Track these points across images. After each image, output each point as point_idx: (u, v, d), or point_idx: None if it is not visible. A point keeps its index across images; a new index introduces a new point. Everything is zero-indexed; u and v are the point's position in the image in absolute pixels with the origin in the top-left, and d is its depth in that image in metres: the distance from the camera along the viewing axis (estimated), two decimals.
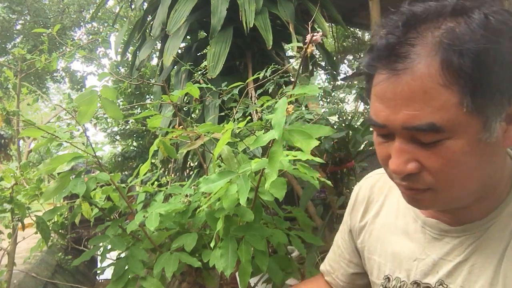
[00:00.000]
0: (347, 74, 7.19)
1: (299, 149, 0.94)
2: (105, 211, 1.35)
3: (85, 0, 11.87)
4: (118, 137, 7.39)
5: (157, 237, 1.27)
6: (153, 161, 4.63)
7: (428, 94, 0.46)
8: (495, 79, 0.45)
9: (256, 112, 1.64)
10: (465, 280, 0.56)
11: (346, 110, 2.24)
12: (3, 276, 1.71)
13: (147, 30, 3.39)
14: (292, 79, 1.80)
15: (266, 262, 1.06)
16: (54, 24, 5.84)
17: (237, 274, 1.08)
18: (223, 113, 1.83)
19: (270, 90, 1.68)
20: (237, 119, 1.48)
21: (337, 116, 2.04)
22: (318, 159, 1.04)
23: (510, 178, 0.56)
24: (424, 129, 0.47)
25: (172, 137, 1.21)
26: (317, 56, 3.88)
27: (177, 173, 3.08)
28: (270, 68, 1.53)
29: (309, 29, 0.86)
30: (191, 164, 3.38)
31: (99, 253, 1.31)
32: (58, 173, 1.23)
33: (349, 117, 2.09)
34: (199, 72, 1.85)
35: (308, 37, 0.85)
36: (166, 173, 3.34)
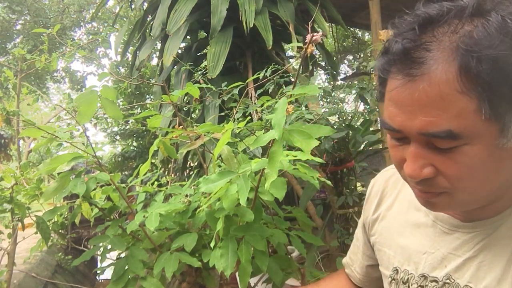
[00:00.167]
0: (347, 74, 7.20)
1: (299, 149, 0.94)
2: (105, 211, 1.35)
3: (85, 0, 11.87)
4: (118, 137, 7.39)
5: (157, 237, 1.27)
6: (153, 161, 4.63)
7: (445, 100, 0.45)
8: None
9: (256, 112, 1.64)
10: (472, 276, 0.56)
11: (346, 110, 2.23)
12: (3, 276, 1.71)
13: (147, 30, 3.40)
14: (292, 79, 1.80)
15: (266, 262, 1.06)
16: (54, 24, 5.85)
17: (237, 274, 1.08)
18: (223, 113, 1.84)
19: (270, 90, 1.68)
20: (237, 119, 1.48)
21: (337, 116, 2.04)
22: (318, 159, 1.05)
23: None
24: (441, 136, 0.46)
25: (172, 137, 1.21)
26: (317, 56, 3.88)
27: (177, 173, 3.09)
28: (270, 68, 1.53)
29: (309, 29, 0.86)
30: (191, 164, 3.38)
31: (99, 253, 1.32)
32: (58, 173, 1.23)
33: (349, 117, 2.09)
34: (199, 72, 1.85)
35: (308, 37, 0.85)
36: (166, 173, 3.35)
